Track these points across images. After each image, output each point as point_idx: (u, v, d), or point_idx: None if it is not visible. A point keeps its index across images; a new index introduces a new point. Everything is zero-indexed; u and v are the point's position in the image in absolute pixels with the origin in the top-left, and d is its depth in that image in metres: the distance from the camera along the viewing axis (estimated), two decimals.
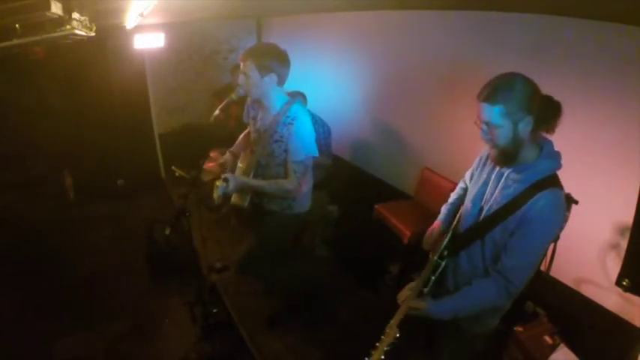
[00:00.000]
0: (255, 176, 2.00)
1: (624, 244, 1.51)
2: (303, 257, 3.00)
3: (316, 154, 1.95)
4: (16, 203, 3.90)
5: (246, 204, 1.99)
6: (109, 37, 3.62)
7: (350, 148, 3.71)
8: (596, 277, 1.94)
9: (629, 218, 1.35)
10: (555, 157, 1.22)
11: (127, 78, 3.98)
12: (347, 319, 2.46)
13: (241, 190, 1.96)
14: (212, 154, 3.74)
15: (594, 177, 1.85)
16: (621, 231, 1.80)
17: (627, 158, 1.73)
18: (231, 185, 1.84)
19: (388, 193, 3.19)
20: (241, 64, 1.83)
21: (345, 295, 2.71)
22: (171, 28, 3.75)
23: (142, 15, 2.24)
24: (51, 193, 4.09)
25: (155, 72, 4.28)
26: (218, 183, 1.85)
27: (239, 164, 2.10)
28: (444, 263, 1.38)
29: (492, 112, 1.15)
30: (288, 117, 1.87)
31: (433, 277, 1.36)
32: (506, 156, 1.21)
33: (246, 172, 2.01)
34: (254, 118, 2.05)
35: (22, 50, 2.81)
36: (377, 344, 1.20)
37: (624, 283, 1.29)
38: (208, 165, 3.61)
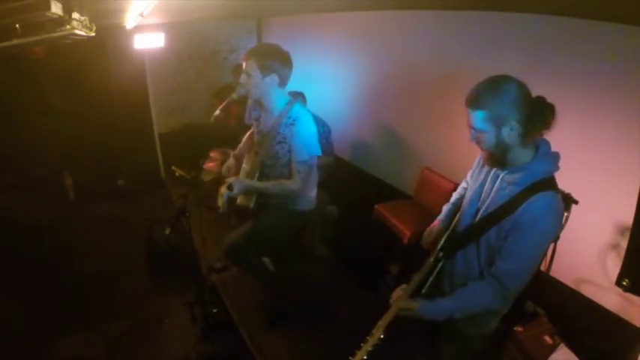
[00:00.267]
0: (261, 177, 2.00)
1: (624, 244, 1.50)
2: (303, 257, 3.00)
3: (319, 153, 1.95)
4: (17, 204, 3.91)
5: (252, 205, 1.99)
6: (109, 37, 3.62)
7: (350, 148, 3.71)
8: (596, 277, 1.94)
9: (629, 218, 1.35)
10: (551, 159, 1.18)
11: (127, 78, 3.98)
12: (347, 319, 2.45)
13: (246, 192, 1.97)
14: (212, 154, 3.75)
15: (594, 177, 1.84)
16: (621, 231, 1.79)
17: (627, 158, 1.73)
18: (236, 189, 1.85)
19: (388, 193, 3.19)
20: (243, 64, 1.83)
21: (345, 295, 2.70)
22: (171, 28, 3.75)
23: (141, 15, 2.25)
24: (51, 194, 4.10)
25: (155, 72, 4.28)
26: (222, 190, 1.85)
27: (244, 165, 2.11)
28: (440, 264, 1.37)
29: (475, 117, 1.13)
30: (289, 118, 1.88)
31: (430, 279, 1.34)
32: (495, 159, 1.20)
33: (250, 174, 2.01)
34: (257, 120, 2.05)
35: (22, 50, 2.82)
36: (362, 344, 1.20)
37: (624, 283, 1.29)
38: (208, 165, 3.63)
